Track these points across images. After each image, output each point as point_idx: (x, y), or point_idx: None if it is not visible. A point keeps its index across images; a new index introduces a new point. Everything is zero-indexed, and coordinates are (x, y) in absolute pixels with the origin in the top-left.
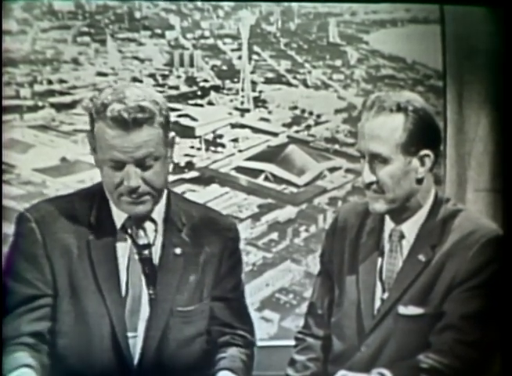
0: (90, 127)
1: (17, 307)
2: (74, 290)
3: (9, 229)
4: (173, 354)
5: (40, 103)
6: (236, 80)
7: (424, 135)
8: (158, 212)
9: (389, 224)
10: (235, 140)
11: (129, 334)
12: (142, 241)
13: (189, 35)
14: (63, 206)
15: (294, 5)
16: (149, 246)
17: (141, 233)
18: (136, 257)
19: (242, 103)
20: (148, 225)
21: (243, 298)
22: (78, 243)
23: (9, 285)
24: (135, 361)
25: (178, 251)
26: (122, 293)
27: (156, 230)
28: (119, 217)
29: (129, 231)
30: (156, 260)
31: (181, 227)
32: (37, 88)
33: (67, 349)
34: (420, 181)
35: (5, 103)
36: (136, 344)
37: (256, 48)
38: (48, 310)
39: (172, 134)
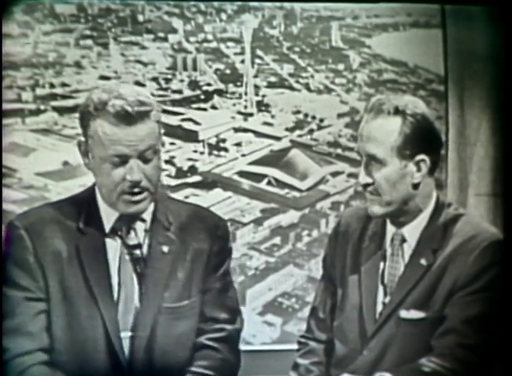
0: (82, 128)
1: (15, 315)
2: (66, 294)
3: None
4: (163, 352)
5: (42, 107)
6: (239, 84)
7: (421, 140)
8: (148, 211)
9: (391, 228)
10: (238, 144)
11: (123, 335)
12: (132, 241)
13: (192, 39)
14: (51, 212)
15: (297, 8)
16: (139, 246)
17: (131, 233)
18: (127, 257)
19: (245, 107)
20: (138, 224)
21: (231, 288)
22: (68, 248)
23: (3, 292)
24: (126, 360)
25: (165, 249)
26: (114, 294)
27: (146, 229)
28: (108, 219)
29: (119, 232)
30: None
31: (167, 226)
32: (39, 91)
33: (62, 354)
34: (416, 186)
35: (7, 106)
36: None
37: (259, 52)
38: (44, 316)
39: (162, 130)
